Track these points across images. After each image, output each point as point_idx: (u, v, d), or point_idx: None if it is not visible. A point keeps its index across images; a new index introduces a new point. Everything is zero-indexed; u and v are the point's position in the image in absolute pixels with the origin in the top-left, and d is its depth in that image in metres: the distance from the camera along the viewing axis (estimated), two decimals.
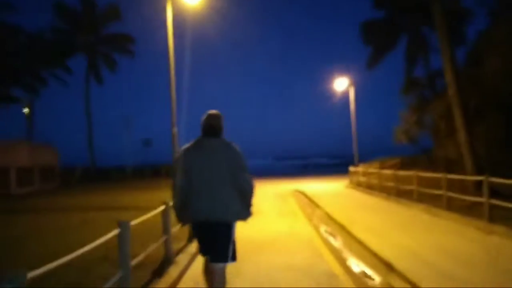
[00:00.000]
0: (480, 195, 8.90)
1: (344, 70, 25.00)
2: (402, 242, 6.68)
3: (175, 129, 10.02)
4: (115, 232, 3.48)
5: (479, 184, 9.38)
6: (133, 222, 3.95)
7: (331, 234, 8.23)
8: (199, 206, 3.20)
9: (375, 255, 6.01)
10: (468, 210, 8.41)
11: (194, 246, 6.32)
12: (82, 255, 2.94)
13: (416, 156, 29.01)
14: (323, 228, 8.99)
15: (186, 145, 3.41)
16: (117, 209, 9.87)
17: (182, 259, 5.46)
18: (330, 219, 10.11)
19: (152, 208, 5.73)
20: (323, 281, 4.73)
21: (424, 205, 9.94)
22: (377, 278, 5.03)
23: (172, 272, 4.82)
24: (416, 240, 6.80)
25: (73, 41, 33.71)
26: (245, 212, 3.33)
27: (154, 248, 4.94)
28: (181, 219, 3.42)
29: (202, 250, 3.38)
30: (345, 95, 24.32)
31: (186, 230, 7.01)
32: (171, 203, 5.46)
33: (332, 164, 76.46)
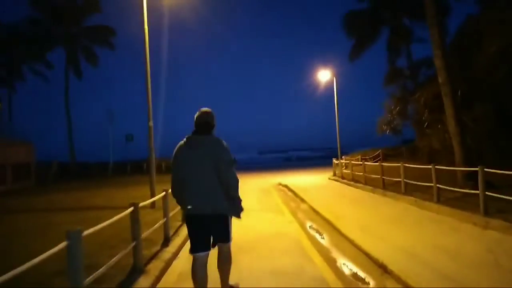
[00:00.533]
0: (470, 187, 8.63)
1: (328, 63, 24.55)
2: (395, 239, 6.27)
3: (151, 123, 9.39)
4: (63, 244, 2.86)
5: (469, 175, 9.10)
6: (90, 231, 3.33)
7: (318, 231, 7.78)
8: (192, 201, 3.41)
9: (366, 255, 5.57)
10: (459, 203, 8.08)
11: (169, 250, 5.74)
12: (35, 267, 2.40)
13: (397, 147, 29.13)
14: (309, 224, 8.54)
15: (180, 142, 3.56)
16: (90, 209, 9.15)
17: (154, 267, 4.86)
18: (316, 214, 9.68)
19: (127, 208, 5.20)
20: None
21: (413, 198, 9.61)
22: (371, 282, 4.57)
23: (142, 283, 4.23)
24: (410, 236, 6.39)
25: (52, 34, 32.22)
26: (235, 208, 3.59)
27: (121, 256, 4.34)
28: (183, 207, 3.62)
29: (195, 245, 3.47)
30: (330, 88, 23.95)
31: (161, 232, 6.42)
32: (141, 204, 4.93)
33: (315, 157, 76.62)
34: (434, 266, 4.67)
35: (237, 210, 3.64)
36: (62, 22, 32.27)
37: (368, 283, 4.54)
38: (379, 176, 12.97)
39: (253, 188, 17.70)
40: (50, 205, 10.96)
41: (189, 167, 3.45)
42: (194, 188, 3.41)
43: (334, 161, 21.37)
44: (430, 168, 9.73)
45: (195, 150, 3.47)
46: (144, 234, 5.52)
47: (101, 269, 3.63)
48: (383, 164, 12.72)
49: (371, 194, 12.44)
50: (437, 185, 8.62)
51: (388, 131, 19.83)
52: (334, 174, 20.73)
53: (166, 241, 6.20)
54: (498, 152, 11.52)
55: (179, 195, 3.55)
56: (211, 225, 3.47)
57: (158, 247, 5.85)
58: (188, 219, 3.52)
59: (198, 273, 3.47)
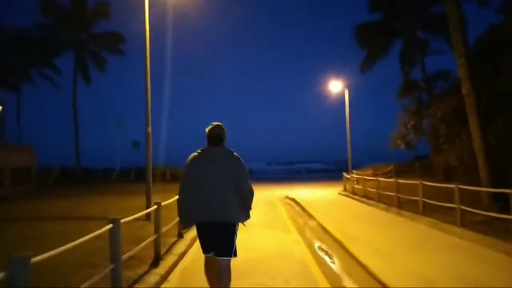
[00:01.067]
0: (497, 210, 7.80)
1: (340, 74, 23.84)
2: (415, 267, 5.49)
3: (149, 129, 8.81)
4: (1, 275, 2.20)
5: (496, 197, 8.27)
6: (44, 256, 2.67)
7: (327, 253, 7.02)
8: (207, 208, 3.52)
9: (383, 286, 4.82)
10: (486, 228, 7.24)
11: (157, 272, 5.04)
12: None
13: (410, 163, 28.12)
14: (317, 245, 7.78)
15: (194, 153, 3.71)
16: (82, 219, 8.54)
17: None
18: (325, 232, 8.91)
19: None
20: None
21: (432, 219, 8.78)
22: None
23: None
24: (432, 265, 5.60)
25: (61, 39, 32.26)
26: (244, 215, 3.72)
27: (99, 279, 3.68)
28: (184, 222, 3.94)
29: (206, 249, 3.69)
30: (341, 100, 23.25)
31: (152, 249, 5.74)
32: (133, 216, 4.70)
33: (325, 170, 75.38)
34: None
35: (246, 217, 3.80)
36: (71, 28, 32.29)
37: None
38: (393, 193, 12.14)
39: (258, 200, 16.89)
40: (43, 213, 10.35)
41: (206, 178, 3.59)
42: (209, 197, 3.55)
43: (345, 175, 20.53)
44: (449, 187, 8.97)
45: (210, 162, 3.63)
46: (132, 251, 4.87)
47: None
48: (398, 181, 11.89)
49: (385, 213, 11.60)
50: (461, 206, 7.79)
51: (402, 145, 18.98)
52: (345, 189, 19.87)
53: (156, 261, 5.52)
54: None
55: (187, 205, 3.67)
56: (222, 233, 3.60)
57: (146, 267, 5.17)
58: (200, 227, 3.68)
59: (210, 269, 3.77)
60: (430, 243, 7.10)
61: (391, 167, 26.40)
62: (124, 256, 4.61)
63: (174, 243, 6.86)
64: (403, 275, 5.14)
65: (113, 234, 3.88)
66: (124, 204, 10.60)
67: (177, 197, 6.85)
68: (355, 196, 16.37)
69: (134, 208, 9.21)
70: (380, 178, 14.57)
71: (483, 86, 9.06)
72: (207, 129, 3.76)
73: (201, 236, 3.71)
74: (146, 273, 4.91)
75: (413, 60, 22.20)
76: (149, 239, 5.48)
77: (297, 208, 14.35)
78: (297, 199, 16.28)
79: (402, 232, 8.31)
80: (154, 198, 9.48)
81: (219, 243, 3.61)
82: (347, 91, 22.64)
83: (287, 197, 18.36)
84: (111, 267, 3.82)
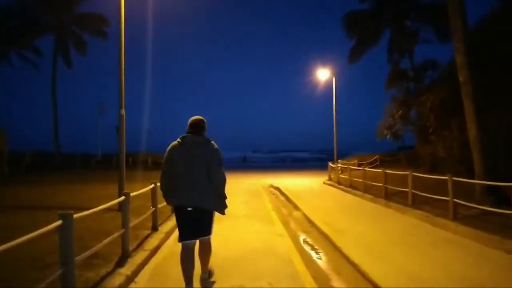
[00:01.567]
0: (491, 203, 7.45)
1: (328, 63, 23.32)
2: (410, 266, 5.04)
3: (123, 111, 8.09)
4: None
5: (489, 190, 7.91)
6: None
7: (313, 248, 6.53)
8: (183, 194, 3.74)
9: (376, 287, 4.35)
10: (481, 222, 6.86)
11: (123, 273, 4.43)
12: None
13: (395, 153, 27.97)
14: (302, 237, 7.30)
15: (173, 142, 3.89)
16: (47, 209, 7.78)
17: None
18: (310, 225, 8.44)
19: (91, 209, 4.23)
20: None
21: (423, 212, 8.39)
22: None
23: None
24: (428, 263, 5.17)
25: (42, 19, 30.57)
26: (221, 204, 3.92)
27: (51, 280, 3.06)
28: (168, 201, 3.97)
29: (184, 234, 3.83)
30: (329, 90, 22.75)
31: (119, 244, 5.12)
32: (102, 206, 4.42)
33: (311, 159, 75.37)
34: None
35: (222, 207, 3.99)
36: (53, 8, 30.64)
37: None
38: (380, 184, 11.75)
39: (242, 189, 16.41)
40: (5, 201, 9.48)
41: (182, 164, 3.79)
42: (185, 183, 3.76)
43: (330, 164, 20.16)
44: (439, 179, 8.60)
45: (188, 149, 3.83)
46: (95, 248, 4.25)
47: None
48: (386, 171, 11.49)
49: (372, 204, 11.21)
50: (454, 199, 7.39)
51: (388, 135, 18.65)
52: (330, 179, 19.51)
53: (123, 258, 4.90)
54: None
55: (169, 189, 3.86)
56: (197, 217, 3.81)
57: (110, 267, 4.55)
58: (178, 210, 3.87)
59: (186, 260, 3.85)
60: (424, 238, 6.68)
61: (376, 157, 26.19)
62: (86, 253, 4.03)
63: (147, 236, 6.24)
64: (396, 274, 4.67)
65: (63, 233, 3.24)
66: (99, 192, 9.85)
67: (152, 186, 6.44)
68: (341, 186, 16.00)
69: (109, 196, 8.52)
70: (366, 168, 14.17)
71: (477, 76, 8.60)
72: (189, 120, 4.03)
73: (179, 219, 3.91)
74: (109, 274, 4.30)
75: (402, 49, 21.77)
76: (115, 234, 4.85)
77: (282, 197, 13.88)
78: (281, 188, 15.82)
79: (391, 225, 7.89)
80: (132, 187, 8.84)
81: (197, 227, 3.85)
82: (335, 79, 22.16)
83: (272, 186, 17.89)
84: (60, 271, 3.19)
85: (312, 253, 6.22)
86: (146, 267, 5.03)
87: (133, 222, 6.19)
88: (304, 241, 7.02)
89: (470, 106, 8.21)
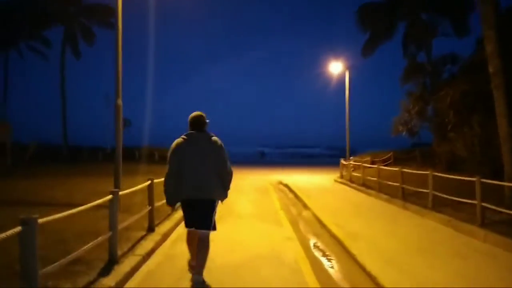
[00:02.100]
0: None
1: (341, 57, 22.56)
2: (436, 281, 4.37)
3: (119, 101, 7.52)
4: None
5: None
6: None
7: (324, 254, 5.89)
8: (190, 187, 3.93)
9: None
10: (511, 229, 6.13)
11: (106, 283, 3.85)
12: None
13: (410, 150, 27.03)
14: (313, 242, 6.66)
15: (178, 139, 4.05)
16: (31, 205, 7.20)
17: None
18: (321, 227, 7.79)
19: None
20: None
21: (445, 216, 7.66)
22: None
23: None
24: (457, 278, 4.49)
25: (51, 9, 30.31)
26: (223, 194, 4.12)
27: None
28: (170, 201, 4.13)
29: (189, 223, 4.09)
30: (342, 86, 21.98)
31: (107, 247, 4.54)
32: (93, 203, 4.21)
33: (322, 155, 74.42)
34: None
35: (224, 196, 4.15)
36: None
37: None
38: (396, 184, 11.01)
39: (250, 185, 15.81)
40: None
41: (189, 161, 3.93)
42: (192, 177, 3.92)
43: (342, 161, 19.40)
44: (460, 180, 7.87)
45: (194, 146, 3.98)
46: (79, 251, 3.73)
47: None
48: (404, 170, 10.74)
49: (388, 205, 10.48)
50: (483, 203, 6.66)
51: (404, 132, 17.81)
52: (341, 176, 18.78)
53: (110, 265, 4.33)
54: None
55: (174, 186, 3.98)
56: (201, 208, 3.97)
57: (92, 276, 3.97)
58: (185, 202, 4.05)
59: (192, 241, 4.09)
60: (449, 246, 5.98)
61: (390, 154, 25.32)
62: (68, 258, 3.51)
63: (141, 238, 5.66)
64: None
65: (24, 241, 2.65)
66: (99, 186, 9.31)
67: (149, 182, 5.87)
68: (353, 185, 15.27)
69: (108, 192, 8.01)
70: (381, 166, 13.42)
71: (509, 66, 7.82)
72: (189, 117, 4.14)
73: (185, 211, 4.11)
74: (89, 284, 3.72)
75: (420, 42, 20.82)
76: (100, 238, 4.27)
77: (291, 195, 13.24)
78: (290, 186, 15.17)
79: (411, 230, 7.19)
80: (134, 181, 8.29)
81: (199, 217, 4.00)
82: (348, 72, 21.34)
83: (281, 183, 17.26)
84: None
85: (323, 260, 5.59)
86: (135, 275, 4.45)
87: (127, 221, 5.64)
88: (315, 246, 6.39)
89: (502, 98, 7.42)
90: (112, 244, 4.48)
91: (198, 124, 4.07)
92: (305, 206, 10.39)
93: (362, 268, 5.00)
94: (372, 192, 12.44)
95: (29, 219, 2.74)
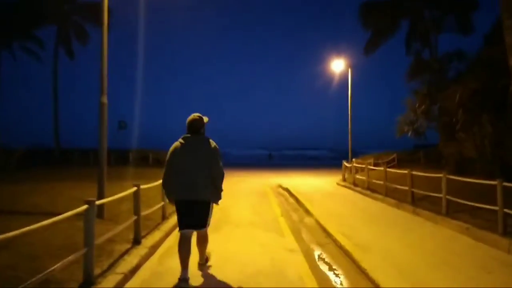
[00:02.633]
0: None
1: (343, 55, 22.06)
2: None
3: (104, 98, 6.89)
4: None
5: None
6: None
7: (331, 267, 5.25)
8: (185, 189, 4.14)
9: None
10: None
11: None
12: None
13: (413, 152, 26.39)
14: (317, 253, 6.01)
15: (176, 142, 4.29)
16: (15, 213, 6.49)
17: None
18: (326, 235, 7.14)
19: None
20: None
21: (462, 223, 7.02)
22: None
23: None
24: None
25: (43, 9, 29.71)
26: (217, 196, 4.31)
27: None
28: (170, 197, 4.35)
29: (183, 224, 4.24)
30: (344, 87, 21.40)
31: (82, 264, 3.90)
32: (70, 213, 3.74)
33: (325, 157, 73.75)
34: None
35: (217, 198, 4.35)
36: None
37: None
38: (404, 187, 10.35)
39: (248, 189, 15.15)
40: None
41: (185, 163, 4.18)
42: (187, 180, 4.14)
43: (345, 163, 18.75)
44: (473, 183, 7.24)
45: (189, 149, 4.22)
46: (49, 270, 3.12)
47: None
48: (413, 172, 10.08)
49: (397, 210, 9.82)
50: (505, 209, 6.01)
51: (409, 132, 17.17)
52: (344, 179, 18.12)
53: (86, 285, 3.69)
54: None
55: (171, 186, 4.25)
56: (196, 209, 4.20)
57: None
58: (179, 203, 4.24)
59: (183, 247, 4.23)
60: (470, 258, 5.33)
61: (393, 155, 24.72)
62: (34, 280, 2.95)
63: (125, 253, 5.00)
64: None
65: None
66: (84, 192, 8.60)
67: (134, 189, 5.80)
68: (357, 188, 14.62)
69: (93, 197, 7.36)
70: (389, 169, 12.76)
71: None
72: (187, 120, 4.33)
73: (179, 211, 4.25)
74: None
75: (426, 38, 20.25)
76: (71, 257, 3.62)
77: (291, 200, 12.59)
78: (291, 189, 14.52)
79: (425, 239, 6.54)
80: (125, 186, 7.65)
81: (195, 219, 4.20)
82: (350, 71, 20.74)
83: (280, 186, 16.61)
84: None
85: (331, 275, 4.95)
86: None
87: (111, 232, 5.00)
88: (320, 258, 5.75)
89: None
90: (87, 262, 3.84)
91: (194, 127, 4.31)
92: (307, 212, 9.75)
93: (375, 286, 4.37)
94: (379, 196, 11.79)
95: None
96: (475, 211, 7.41)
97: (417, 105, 16.51)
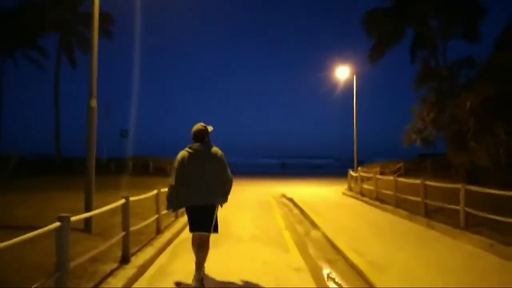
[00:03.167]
0: None
1: (348, 63, 21.70)
2: None
3: (94, 102, 6.40)
4: None
5: None
6: None
7: None
8: (193, 195, 4.34)
9: None
10: None
11: None
12: None
13: (420, 160, 25.71)
14: (326, 272, 5.42)
15: (183, 151, 4.51)
16: None
17: None
18: (336, 251, 6.54)
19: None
20: None
21: (483, 238, 6.41)
22: None
23: None
24: None
25: (47, 17, 29.64)
26: (223, 199, 4.56)
27: None
28: (170, 207, 4.61)
29: (193, 227, 4.51)
30: (349, 96, 20.96)
31: None
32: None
33: (331, 165, 73.03)
34: None
35: (224, 200, 4.60)
36: (58, 6, 29.64)
37: None
38: (416, 198, 9.72)
39: (250, 199, 14.55)
40: None
41: (193, 171, 4.37)
42: (195, 186, 4.34)
43: (351, 172, 18.12)
44: (485, 193, 6.64)
45: (196, 157, 4.43)
46: None
47: None
48: (426, 183, 9.45)
49: (409, 223, 9.19)
50: None
51: (418, 141, 16.59)
52: (350, 189, 17.49)
53: None
54: None
55: (177, 194, 4.42)
56: (203, 212, 4.41)
57: None
58: (189, 208, 4.48)
59: (196, 244, 4.49)
60: (500, 281, 4.72)
61: (400, 164, 24.06)
62: None
63: (109, 274, 4.42)
64: None
65: None
66: (77, 204, 8.08)
67: (123, 201, 5.38)
68: (365, 198, 13.98)
69: (83, 210, 6.82)
70: (399, 179, 12.13)
71: None
72: (192, 130, 4.58)
73: (190, 215, 4.54)
74: None
75: (434, 45, 19.75)
76: (39, 283, 3.05)
77: (296, 211, 11.99)
78: (295, 200, 13.91)
79: (446, 257, 5.92)
80: (117, 197, 7.06)
81: (201, 221, 4.43)
82: (355, 78, 20.24)
83: (284, 196, 16.01)
84: None
85: None
86: None
87: (97, 249, 4.45)
88: (329, 278, 5.16)
89: None
90: None
91: (199, 137, 4.51)
92: (313, 224, 9.15)
93: None
94: (388, 207, 11.15)
95: None
96: (494, 225, 6.80)
97: (425, 113, 15.93)
